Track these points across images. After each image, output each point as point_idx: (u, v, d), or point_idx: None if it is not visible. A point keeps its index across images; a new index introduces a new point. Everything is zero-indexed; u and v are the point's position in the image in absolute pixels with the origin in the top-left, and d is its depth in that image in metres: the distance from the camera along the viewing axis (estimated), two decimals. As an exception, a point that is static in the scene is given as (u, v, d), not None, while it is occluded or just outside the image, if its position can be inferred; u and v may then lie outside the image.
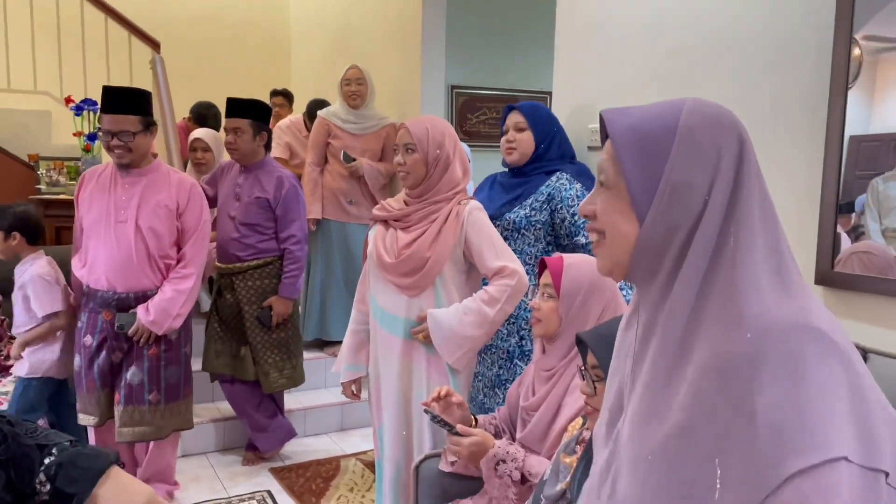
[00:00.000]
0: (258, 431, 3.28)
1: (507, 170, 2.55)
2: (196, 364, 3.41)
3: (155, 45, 4.67)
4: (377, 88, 4.03)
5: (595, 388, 1.33)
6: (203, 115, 4.66)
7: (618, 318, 1.41)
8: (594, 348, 1.32)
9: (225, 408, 3.48)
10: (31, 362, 2.74)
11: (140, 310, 2.58)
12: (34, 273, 2.67)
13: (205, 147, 3.76)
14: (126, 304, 2.58)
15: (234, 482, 3.15)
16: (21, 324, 2.74)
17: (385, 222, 2.17)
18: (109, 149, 2.53)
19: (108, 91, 2.54)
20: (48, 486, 0.78)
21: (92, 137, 4.22)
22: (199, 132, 3.81)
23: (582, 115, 2.70)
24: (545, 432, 1.69)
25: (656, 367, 0.80)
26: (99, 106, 4.14)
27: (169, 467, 2.87)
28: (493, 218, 2.37)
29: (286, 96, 5.33)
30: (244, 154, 3.09)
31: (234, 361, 3.23)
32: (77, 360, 2.67)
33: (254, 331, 3.15)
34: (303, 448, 3.51)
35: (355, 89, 3.92)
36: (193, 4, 6.19)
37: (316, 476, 3.21)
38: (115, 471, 0.83)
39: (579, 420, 1.51)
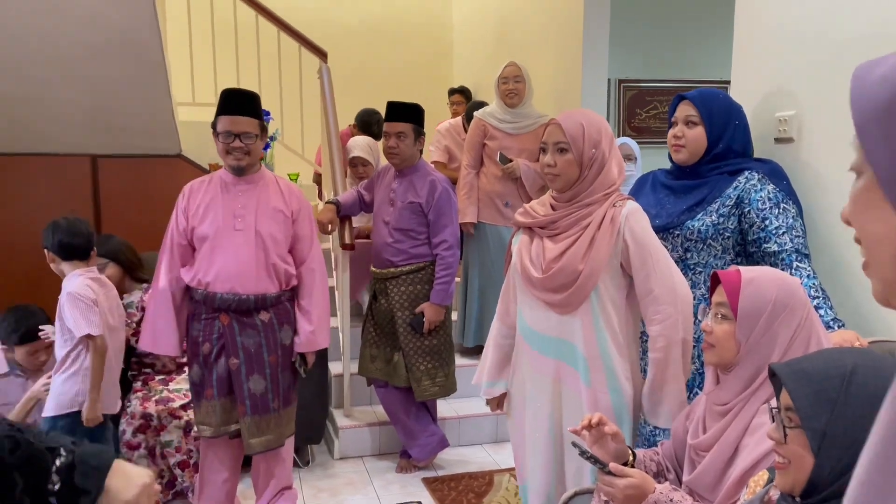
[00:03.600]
0: (411, 439, 3.24)
1: (669, 168, 2.25)
2: (353, 367, 3.47)
3: (322, 54, 4.82)
4: (535, 85, 3.85)
5: (786, 434, 1.07)
6: (367, 121, 4.75)
7: (826, 353, 1.14)
8: (791, 387, 1.06)
9: (381, 412, 3.47)
10: (59, 396, 2.50)
11: (302, 323, 2.61)
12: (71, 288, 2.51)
13: (364, 163, 3.81)
14: (245, 306, 2.51)
15: (388, 490, 3.12)
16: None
17: (530, 230, 1.95)
18: (228, 151, 2.48)
19: (229, 93, 2.51)
20: (59, 486, 0.84)
21: (264, 147, 4.43)
22: (356, 148, 3.86)
23: (767, 104, 2.34)
24: (718, 478, 1.43)
25: None
26: (269, 116, 4.30)
27: (290, 474, 2.78)
28: (667, 227, 2.09)
29: (464, 93, 5.31)
30: (404, 158, 3.06)
31: (387, 367, 3.21)
32: (195, 370, 2.59)
33: (406, 337, 3.11)
34: (456, 458, 3.42)
35: (512, 87, 3.77)
36: (358, 14, 6.37)
37: (468, 490, 3.10)
38: (118, 463, 0.90)
39: (764, 474, 1.24)
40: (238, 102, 2.49)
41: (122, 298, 3.03)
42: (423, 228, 3.08)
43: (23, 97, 3.67)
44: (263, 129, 2.57)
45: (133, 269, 3.11)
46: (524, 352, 1.98)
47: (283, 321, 2.60)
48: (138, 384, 3.04)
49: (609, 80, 4.13)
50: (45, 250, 2.57)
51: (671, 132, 2.17)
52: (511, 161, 3.75)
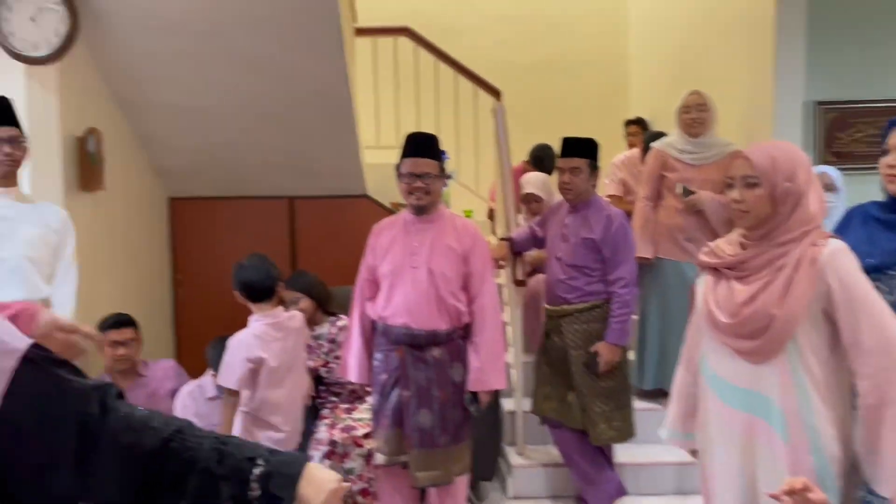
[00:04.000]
0: (586, 483, 3.11)
1: (883, 200, 1.99)
2: (527, 404, 3.43)
3: (496, 93, 4.93)
4: (720, 113, 3.63)
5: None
6: (540, 157, 4.75)
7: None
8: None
9: (556, 452, 3.38)
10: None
11: (472, 361, 2.65)
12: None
13: (537, 199, 3.81)
14: (418, 341, 2.62)
15: (561, 535, 3.01)
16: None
17: (716, 270, 1.80)
18: (410, 192, 2.64)
19: (411, 137, 2.69)
20: (258, 494, 0.89)
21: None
22: (530, 184, 3.86)
23: None
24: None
25: None
26: (446, 156, 4.45)
27: None
28: (882, 268, 1.85)
29: (640, 124, 5.18)
30: (579, 193, 3.01)
31: (561, 406, 3.13)
32: (375, 398, 2.74)
33: (580, 377, 3.01)
34: (634, 508, 3.23)
35: (696, 116, 3.58)
36: (533, 53, 6.44)
37: (647, 543, 2.91)
38: (308, 469, 0.93)
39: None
40: (419, 145, 2.64)
41: (312, 330, 3.24)
42: (598, 265, 2.99)
43: (231, 146, 4.11)
44: (443, 170, 2.69)
45: (324, 303, 3.33)
46: (710, 401, 1.83)
47: (454, 358, 2.66)
48: (325, 411, 3.22)
49: (806, 102, 3.80)
50: (234, 291, 2.82)
51: (885, 160, 1.92)
52: (693, 193, 3.56)
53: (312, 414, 3.18)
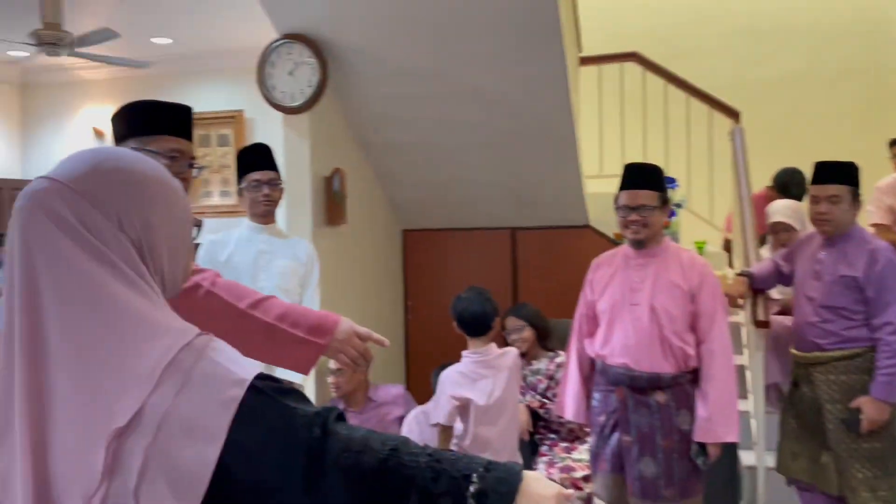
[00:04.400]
0: (844, 560, 2.68)
1: None
2: (769, 459, 3.06)
3: (734, 114, 4.57)
4: None
5: None
6: (786, 183, 4.29)
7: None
8: None
9: (803, 518, 2.97)
10: None
11: (699, 409, 2.43)
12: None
13: (786, 228, 3.42)
14: (639, 383, 2.46)
15: None
16: None
17: None
18: (626, 225, 2.52)
19: (628, 168, 2.56)
20: None
21: (670, 214, 4.34)
22: (777, 213, 3.47)
23: None
24: None
25: None
26: (675, 184, 4.21)
27: None
28: None
29: None
30: (838, 225, 2.65)
31: (813, 467, 2.74)
32: (593, 440, 2.63)
33: (838, 436, 2.61)
34: None
35: None
36: (777, 67, 5.88)
37: None
38: (525, 484, 0.87)
39: None
40: (637, 176, 2.53)
41: (530, 364, 3.21)
42: (860, 307, 2.59)
43: (457, 179, 4.26)
44: (665, 202, 2.53)
45: (543, 336, 3.30)
46: None
47: (681, 404, 2.47)
48: (544, 448, 3.16)
49: None
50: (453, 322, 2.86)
51: None
52: None
53: (531, 450, 3.13)
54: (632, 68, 4.94)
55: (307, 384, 3.16)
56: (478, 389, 2.69)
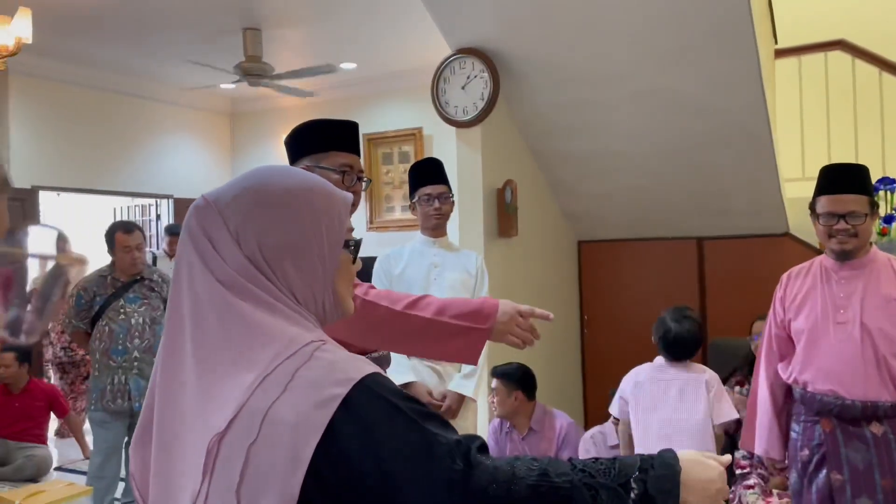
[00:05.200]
0: None
1: None
2: None
3: (969, 102, 3.92)
4: None
5: None
6: None
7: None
8: None
9: None
10: None
11: None
12: None
13: None
14: (851, 413, 2.13)
15: None
16: None
17: None
18: (830, 234, 2.20)
19: (829, 170, 2.25)
20: None
21: (889, 220, 3.79)
22: None
23: None
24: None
25: None
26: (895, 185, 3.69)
27: None
28: None
29: None
30: None
31: None
32: (792, 477, 2.30)
33: None
34: None
35: None
36: None
37: None
38: (685, 474, 0.85)
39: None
40: (842, 178, 2.20)
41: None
42: None
43: (637, 188, 4.05)
44: (874, 206, 2.21)
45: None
46: None
47: None
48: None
49: None
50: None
51: None
52: None
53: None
54: (838, 57, 4.42)
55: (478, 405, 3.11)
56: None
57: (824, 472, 2.22)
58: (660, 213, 4.21)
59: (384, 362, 1.82)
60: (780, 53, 4.48)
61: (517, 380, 3.05)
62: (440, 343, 1.52)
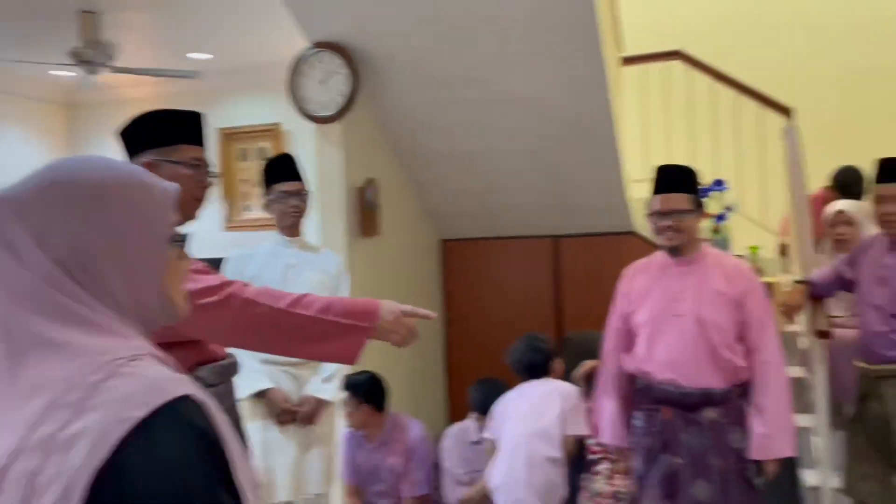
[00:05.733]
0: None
1: None
2: (835, 479, 2.84)
3: (786, 112, 4.33)
4: None
5: None
6: (847, 182, 4.04)
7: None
8: None
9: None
10: None
11: (755, 424, 2.24)
12: None
13: (847, 221, 3.20)
14: (689, 400, 2.28)
15: None
16: None
17: None
18: (658, 231, 2.36)
19: (659, 170, 2.42)
20: None
21: (720, 218, 4.13)
22: (841, 204, 3.29)
23: None
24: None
25: None
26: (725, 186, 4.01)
27: None
28: None
29: None
30: None
31: (884, 490, 2.52)
32: (637, 463, 2.43)
33: (911, 456, 2.40)
34: None
35: None
36: (833, 61, 5.58)
37: None
38: None
39: None
40: (667, 179, 2.38)
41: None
42: (934, 315, 2.38)
43: (496, 187, 4.14)
44: (699, 204, 2.38)
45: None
46: None
47: (733, 421, 2.30)
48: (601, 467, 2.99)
49: None
50: None
51: None
52: None
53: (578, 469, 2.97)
54: (677, 67, 4.75)
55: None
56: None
57: (665, 456, 2.34)
58: (519, 212, 4.33)
59: (232, 370, 1.71)
60: (626, 61, 4.75)
61: (364, 393, 2.99)
62: (323, 342, 1.50)
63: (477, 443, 3.10)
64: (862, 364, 2.59)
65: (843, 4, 5.62)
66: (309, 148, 3.62)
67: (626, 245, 4.30)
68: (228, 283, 1.47)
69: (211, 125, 4.24)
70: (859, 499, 2.60)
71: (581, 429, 2.57)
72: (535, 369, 2.65)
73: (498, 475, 2.60)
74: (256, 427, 2.51)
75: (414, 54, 3.41)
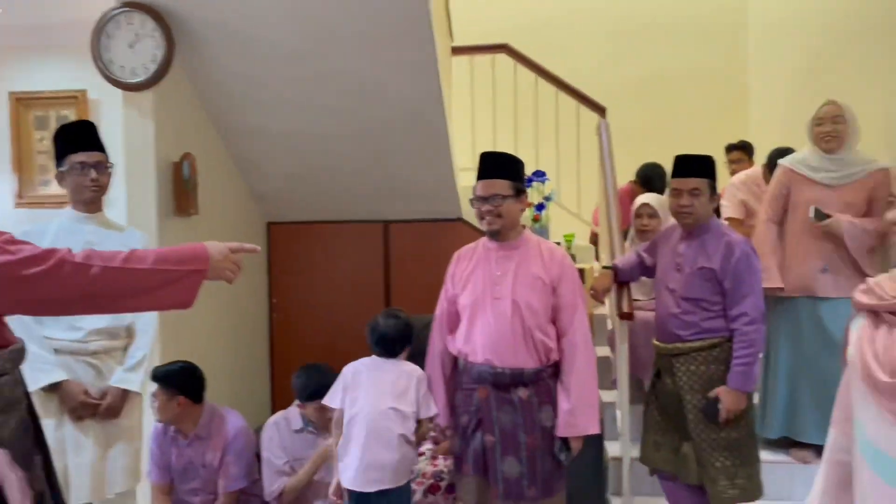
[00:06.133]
0: (703, 546, 2.74)
1: None
2: (634, 450, 3.09)
3: (601, 110, 4.65)
4: (863, 127, 3.19)
5: None
6: (649, 176, 4.41)
7: None
8: None
9: (668, 506, 3.02)
10: None
11: (561, 402, 2.37)
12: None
13: (651, 213, 3.49)
14: (502, 380, 2.38)
15: None
16: None
17: (875, 314, 1.42)
18: (480, 216, 2.45)
19: (482, 157, 2.49)
20: None
21: (540, 207, 4.33)
22: (646, 197, 3.59)
23: None
24: None
25: None
26: (545, 177, 4.19)
27: None
28: None
29: (744, 150, 4.71)
30: (698, 217, 2.68)
31: (674, 458, 2.77)
32: (456, 441, 2.53)
33: (697, 426, 2.65)
34: (762, 577, 2.81)
35: (830, 129, 3.16)
36: (640, 67, 6.08)
37: None
38: None
39: None
40: (490, 165, 2.45)
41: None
42: (718, 298, 2.64)
43: (326, 169, 4.03)
44: (520, 191, 2.46)
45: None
46: (867, 478, 1.47)
47: (543, 400, 2.41)
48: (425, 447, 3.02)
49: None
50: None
51: None
52: (829, 217, 3.13)
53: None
54: (503, 61, 4.91)
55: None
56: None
57: (479, 434, 2.42)
58: (349, 196, 4.26)
59: (18, 357, 1.52)
60: (456, 51, 4.83)
61: (178, 384, 2.77)
62: (160, 291, 1.54)
63: (299, 431, 3.00)
64: (657, 343, 2.82)
65: (648, 15, 6.12)
66: (111, 116, 3.30)
67: (454, 231, 4.39)
68: (53, 250, 1.44)
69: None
70: (653, 466, 2.85)
71: (431, 411, 2.59)
72: (399, 344, 2.58)
73: (353, 449, 2.52)
74: (48, 424, 2.25)
75: (236, 22, 3.21)
